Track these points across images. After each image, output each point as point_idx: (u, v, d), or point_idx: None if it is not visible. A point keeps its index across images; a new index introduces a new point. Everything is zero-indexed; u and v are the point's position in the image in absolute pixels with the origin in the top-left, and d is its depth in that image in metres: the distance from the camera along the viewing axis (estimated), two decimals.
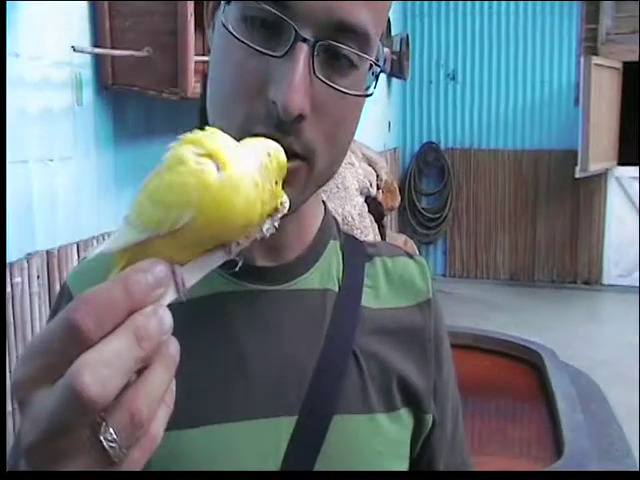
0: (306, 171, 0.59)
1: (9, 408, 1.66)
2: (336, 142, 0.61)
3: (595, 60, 6.13)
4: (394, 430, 0.67)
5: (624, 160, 6.69)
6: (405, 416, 0.69)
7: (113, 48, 2.02)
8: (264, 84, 0.56)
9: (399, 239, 4.60)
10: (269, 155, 0.47)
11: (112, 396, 0.35)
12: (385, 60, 0.64)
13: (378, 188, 3.85)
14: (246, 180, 0.43)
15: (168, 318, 0.38)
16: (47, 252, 1.80)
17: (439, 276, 6.98)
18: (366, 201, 3.64)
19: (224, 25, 0.58)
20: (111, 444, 0.36)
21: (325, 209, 0.74)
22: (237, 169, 0.43)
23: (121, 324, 0.36)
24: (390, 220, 5.91)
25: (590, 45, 6.61)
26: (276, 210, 0.48)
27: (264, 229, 0.47)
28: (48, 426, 0.35)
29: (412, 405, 0.69)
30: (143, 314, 0.37)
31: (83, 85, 1.98)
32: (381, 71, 0.62)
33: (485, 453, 2.98)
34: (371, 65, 0.60)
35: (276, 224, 0.49)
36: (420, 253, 5.97)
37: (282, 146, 0.50)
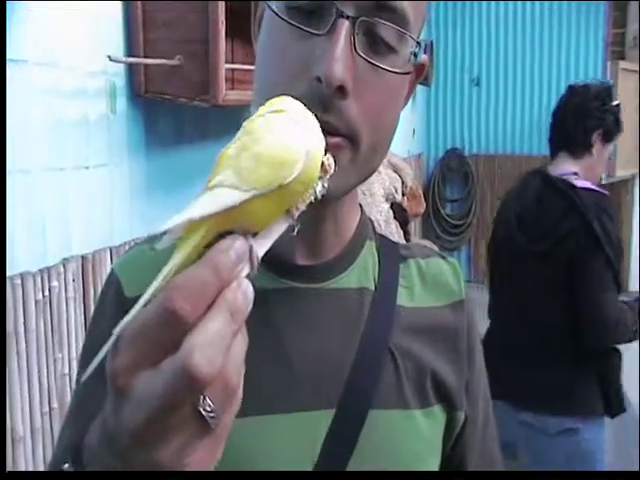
0: (349, 151, 0.61)
1: (45, 409, 1.70)
2: (378, 125, 0.62)
3: (622, 65, 6.08)
4: (428, 426, 0.69)
5: None
6: (438, 412, 0.71)
7: (146, 57, 2.05)
8: (309, 64, 0.58)
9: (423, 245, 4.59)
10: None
11: (218, 372, 0.37)
12: (424, 51, 0.66)
13: (403, 194, 3.85)
14: (321, 142, 0.49)
15: (251, 290, 0.40)
16: (82, 257, 1.84)
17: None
18: (391, 207, 3.65)
19: (270, 7, 0.61)
20: (210, 414, 0.39)
21: (362, 211, 0.76)
22: (318, 130, 0.49)
23: (212, 303, 0.39)
24: (414, 226, 5.90)
25: (617, 50, 6.56)
26: (325, 171, 0.52)
27: (317, 190, 0.50)
28: (159, 406, 0.37)
29: (445, 402, 0.71)
30: (232, 290, 0.39)
31: (117, 94, 2.02)
32: (417, 56, 0.63)
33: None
34: (411, 53, 0.62)
35: (325, 185, 0.52)
36: None
37: (325, 122, 0.55)
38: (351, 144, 0.60)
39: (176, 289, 0.38)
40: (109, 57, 1.86)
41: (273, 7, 0.61)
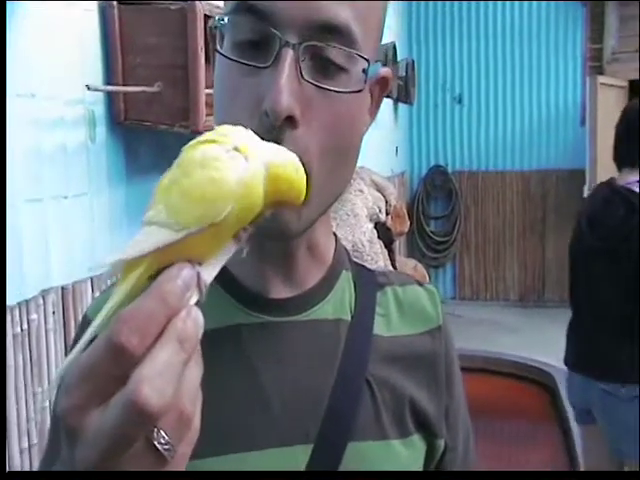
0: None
1: (25, 445, 1.67)
2: (335, 150, 0.61)
3: (601, 79, 6.15)
4: (407, 456, 0.69)
5: None
6: (418, 441, 0.70)
7: (125, 84, 2.05)
8: (258, 98, 0.58)
9: (409, 264, 4.61)
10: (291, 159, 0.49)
11: (169, 403, 0.37)
12: (380, 63, 0.65)
13: (387, 214, 3.87)
14: (262, 167, 0.46)
15: (200, 317, 0.40)
16: (62, 288, 1.82)
17: (449, 299, 6.95)
18: (375, 227, 3.66)
19: (216, 50, 0.61)
20: (165, 446, 0.38)
21: (336, 240, 0.75)
22: (257, 157, 0.46)
23: (161, 333, 0.38)
24: (399, 244, 5.92)
25: (595, 65, 6.65)
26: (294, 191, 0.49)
27: (266, 212, 0.49)
28: (111, 443, 0.37)
29: (424, 430, 0.71)
30: (180, 319, 0.39)
31: (96, 122, 2.01)
32: (366, 71, 0.61)
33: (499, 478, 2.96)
34: (363, 70, 0.61)
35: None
36: (429, 277, 5.96)
37: None
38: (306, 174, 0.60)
39: (123, 322, 0.37)
40: (87, 86, 1.86)
41: (217, 46, 0.61)
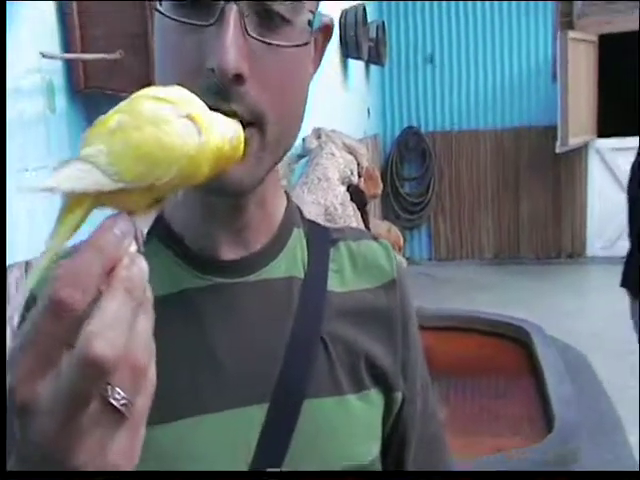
0: (258, 139, 0.59)
1: None
2: (285, 103, 0.61)
3: (571, 34, 6.15)
4: (364, 410, 0.69)
5: (603, 132, 6.74)
6: (375, 396, 0.70)
7: (84, 52, 2.01)
8: (202, 57, 0.57)
9: (383, 226, 4.63)
10: (236, 132, 0.50)
11: (121, 354, 0.36)
12: (319, 13, 0.64)
13: (359, 176, 3.86)
14: (214, 143, 0.46)
15: (144, 263, 0.39)
16: (26, 263, 1.80)
17: (425, 260, 7.02)
18: (348, 189, 3.66)
19: (156, 9, 0.59)
20: (121, 401, 0.37)
21: (288, 198, 0.74)
22: (213, 135, 0.46)
23: (102, 283, 0.37)
24: (374, 207, 5.93)
25: (565, 20, 6.63)
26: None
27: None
28: (68, 405, 0.36)
29: (381, 385, 0.71)
30: (124, 267, 0.38)
31: (55, 91, 1.97)
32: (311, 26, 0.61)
33: (476, 434, 3.02)
34: (308, 21, 0.60)
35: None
36: (405, 238, 6.00)
37: (227, 112, 0.52)
38: (258, 130, 0.59)
39: (60, 278, 0.36)
40: (42, 54, 1.82)
41: (158, 6, 0.59)
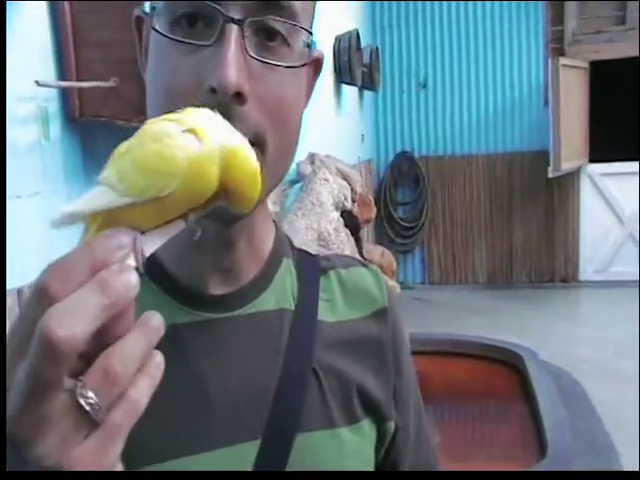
0: (259, 159, 0.59)
1: None
2: (283, 125, 0.61)
3: (562, 61, 6.23)
4: (357, 443, 0.68)
5: (595, 157, 6.79)
6: (367, 426, 0.70)
7: (79, 80, 2.03)
8: (201, 77, 0.56)
9: (376, 251, 4.64)
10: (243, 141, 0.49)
11: (81, 341, 0.36)
12: (314, 44, 0.64)
13: (353, 201, 3.88)
14: (217, 151, 0.46)
15: (134, 277, 0.39)
16: (18, 291, 1.80)
17: (418, 284, 7.03)
18: (342, 215, 3.68)
19: (154, 29, 0.59)
20: (89, 401, 0.37)
21: (276, 227, 0.74)
22: (212, 140, 0.46)
23: (86, 281, 0.38)
24: (367, 231, 5.94)
25: (557, 47, 6.72)
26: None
27: (219, 200, 0.49)
28: (27, 387, 0.37)
29: (373, 415, 0.70)
30: (108, 270, 0.39)
31: (49, 119, 1.99)
32: (310, 45, 0.62)
33: (470, 458, 3.01)
34: (305, 44, 0.61)
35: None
36: (398, 262, 6.01)
37: None
38: (259, 150, 0.57)
39: (49, 268, 0.38)
40: (37, 82, 1.83)
41: (156, 27, 0.59)
